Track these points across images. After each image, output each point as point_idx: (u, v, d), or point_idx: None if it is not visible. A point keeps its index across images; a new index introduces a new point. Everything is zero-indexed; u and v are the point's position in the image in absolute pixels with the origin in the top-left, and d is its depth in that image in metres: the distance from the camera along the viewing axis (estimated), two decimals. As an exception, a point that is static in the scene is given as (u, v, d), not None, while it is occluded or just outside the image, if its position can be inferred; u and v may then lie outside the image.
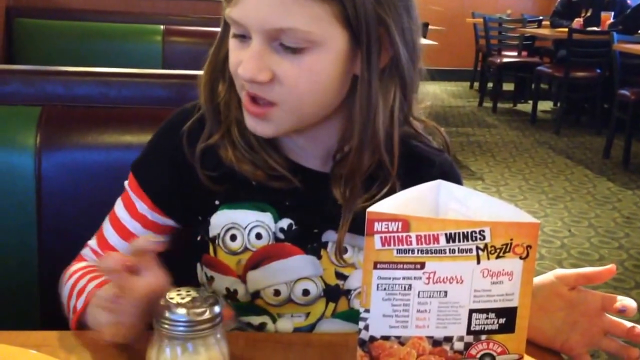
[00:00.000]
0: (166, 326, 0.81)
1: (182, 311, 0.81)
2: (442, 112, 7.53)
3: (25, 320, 1.37)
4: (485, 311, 0.79)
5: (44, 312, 1.37)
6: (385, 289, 0.77)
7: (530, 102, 7.61)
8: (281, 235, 1.06)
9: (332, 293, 1.07)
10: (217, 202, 1.06)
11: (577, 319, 0.98)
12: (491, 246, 0.76)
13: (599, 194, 4.92)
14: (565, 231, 4.17)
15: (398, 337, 0.79)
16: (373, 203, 0.97)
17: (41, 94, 1.43)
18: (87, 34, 3.41)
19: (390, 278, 0.76)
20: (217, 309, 0.82)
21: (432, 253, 0.76)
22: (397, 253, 0.75)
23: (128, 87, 1.46)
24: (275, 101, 0.95)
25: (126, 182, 1.11)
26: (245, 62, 0.92)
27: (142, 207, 1.09)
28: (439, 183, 0.85)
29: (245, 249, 1.06)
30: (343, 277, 1.07)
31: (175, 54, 3.18)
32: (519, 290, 0.78)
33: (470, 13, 8.79)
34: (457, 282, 0.77)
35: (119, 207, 1.11)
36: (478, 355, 0.81)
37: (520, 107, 8.19)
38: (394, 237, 0.75)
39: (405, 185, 0.88)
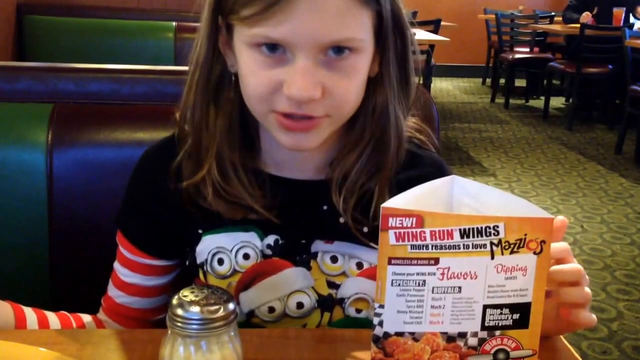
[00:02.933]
0: (179, 324, 0.80)
1: (195, 309, 0.80)
2: (454, 109, 7.51)
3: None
4: (499, 307, 0.78)
5: (55, 309, 1.37)
6: (399, 285, 0.76)
7: (543, 98, 7.59)
8: (269, 252, 1.05)
9: (326, 303, 1.07)
10: (200, 231, 1.06)
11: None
12: (505, 241, 0.75)
13: (612, 190, 4.89)
14: (577, 227, 4.15)
15: (412, 333, 0.78)
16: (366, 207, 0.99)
17: (52, 91, 1.42)
18: (98, 31, 3.41)
19: (404, 274, 0.76)
20: (231, 306, 0.81)
21: (446, 249, 0.75)
22: (411, 249, 0.75)
23: (140, 84, 1.46)
24: (326, 114, 0.93)
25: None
26: (297, 81, 0.88)
27: (131, 255, 1.09)
28: (452, 178, 0.85)
29: (234, 272, 1.05)
30: (335, 286, 1.06)
31: (188, 51, 3.16)
32: (533, 285, 0.78)
33: (482, 9, 8.76)
34: (471, 278, 0.76)
35: (115, 262, 1.12)
36: (492, 351, 0.80)
37: (532, 103, 8.15)
38: (408, 232, 0.74)
39: (399, 187, 0.87)
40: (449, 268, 0.76)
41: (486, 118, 7.23)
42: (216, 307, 0.81)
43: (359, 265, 1.06)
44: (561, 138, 6.43)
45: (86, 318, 1.11)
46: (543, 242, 0.76)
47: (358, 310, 1.07)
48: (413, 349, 0.79)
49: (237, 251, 1.05)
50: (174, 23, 3.29)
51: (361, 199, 1.03)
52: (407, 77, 1.01)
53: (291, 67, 0.89)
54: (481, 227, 0.75)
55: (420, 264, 0.76)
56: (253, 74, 0.92)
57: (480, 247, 0.75)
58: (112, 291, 1.12)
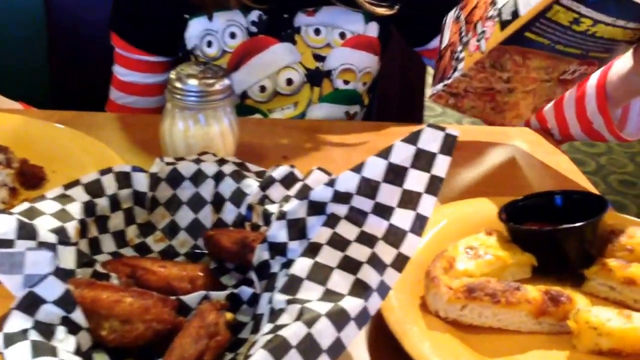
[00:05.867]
0: (178, 96, 0.82)
1: (193, 82, 0.82)
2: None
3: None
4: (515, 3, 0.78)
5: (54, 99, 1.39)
6: None
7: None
8: (254, 29, 1.07)
9: (314, 77, 1.10)
10: (186, 16, 1.07)
11: None
12: None
13: None
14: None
15: None
16: None
17: None
18: None
19: None
20: (226, 81, 0.83)
21: None
22: None
23: None
24: None
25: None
26: None
27: (127, 54, 1.11)
28: None
29: (223, 52, 1.07)
30: (321, 59, 1.09)
31: None
32: (532, 7, 0.77)
33: None
34: None
35: (113, 66, 1.14)
36: (483, 28, 0.82)
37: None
38: None
39: None
40: None
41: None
42: (213, 80, 0.83)
43: (342, 36, 1.09)
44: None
45: None
46: None
47: (346, 82, 1.11)
48: None
49: (224, 31, 1.07)
50: None
51: None
52: None
53: None
54: None
55: None
56: None
57: None
58: (113, 94, 1.15)
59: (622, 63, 0.92)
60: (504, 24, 0.79)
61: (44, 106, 1.10)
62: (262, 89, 1.09)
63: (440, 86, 0.89)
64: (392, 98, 1.34)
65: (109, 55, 1.14)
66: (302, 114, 1.11)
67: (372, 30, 1.09)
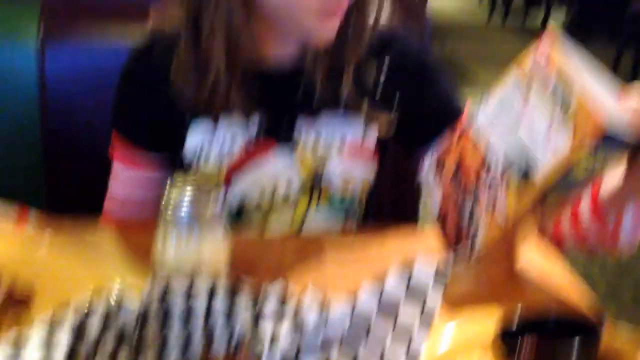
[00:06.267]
0: (170, 212, 0.82)
1: (186, 197, 0.82)
2: (450, 26, 7.43)
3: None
4: (524, 156, 0.81)
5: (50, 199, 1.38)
6: (511, 87, 0.85)
7: (542, 14, 7.47)
8: (253, 133, 1.07)
9: (313, 185, 1.09)
10: (188, 120, 1.07)
11: None
12: (567, 110, 0.77)
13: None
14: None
15: (477, 132, 0.87)
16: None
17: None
18: None
19: (513, 83, 0.85)
20: (221, 196, 0.84)
21: (541, 85, 0.81)
22: (531, 68, 0.83)
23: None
24: None
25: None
26: None
27: (126, 151, 1.12)
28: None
29: (223, 157, 1.07)
30: (319, 168, 1.09)
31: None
32: (552, 168, 0.78)
33: None
34: (529, 121, 0.81)
35: (114, 163, 1.14)
36: (490, 191, 0.84)
37: (530, 23, 8.07)
38: (541, 55, 0.82)
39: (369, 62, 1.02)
40: (528, 100, 0.82)
41: (483, 36, 7.16)
42: (206, 195, 0.82)
43: (342, 143, 1.08)
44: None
45: None
46: (583, 138, 0.76)
47: (344, 190, 1.11)
48: (469, 151, 0.87)
49: (224, 136, 1.06)
50: None
51: (335, 71, 1.06)
52: None
53: None
54: (564, 87, 0.78)
55: (522, 83, 0.83)
56: None
57: (553, 103, 0.79)
58: (111, 191, 1.15)
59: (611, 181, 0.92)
60: (519, 187, 0.80)
61: (38, 203, 1.09)
62: (259, 197, 1.08)
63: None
64: (387, 196, 1.33)
65: (105, 156, 1.13)
66: (300, 222, 1.11)
67: (371, 140, 1.10)
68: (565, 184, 0.79)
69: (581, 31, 6.92)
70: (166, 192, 0.83)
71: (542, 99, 0.80)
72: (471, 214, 0.86)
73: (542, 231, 0.99)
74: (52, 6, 1.34)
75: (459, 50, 6.21)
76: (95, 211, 1.15)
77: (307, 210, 1.10)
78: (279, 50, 1.07)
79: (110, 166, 1.14)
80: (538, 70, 0.81)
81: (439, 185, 0.92)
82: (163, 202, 0.82)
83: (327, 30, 1.00)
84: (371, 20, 1.07)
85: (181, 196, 0.82)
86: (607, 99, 0.80)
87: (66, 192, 1.37)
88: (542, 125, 0.79)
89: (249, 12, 1.00)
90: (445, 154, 0.92)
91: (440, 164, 0.92)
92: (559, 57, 0.80)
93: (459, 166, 0.89)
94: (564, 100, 0.78)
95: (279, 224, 1.10)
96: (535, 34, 0.87)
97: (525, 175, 0.79)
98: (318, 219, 1.12)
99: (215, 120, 1.06)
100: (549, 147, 0.78)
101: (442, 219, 0.91)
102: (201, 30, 1.01)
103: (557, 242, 1.03)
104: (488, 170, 0.84)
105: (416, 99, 1.11)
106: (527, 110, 0.82)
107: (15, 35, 1.33)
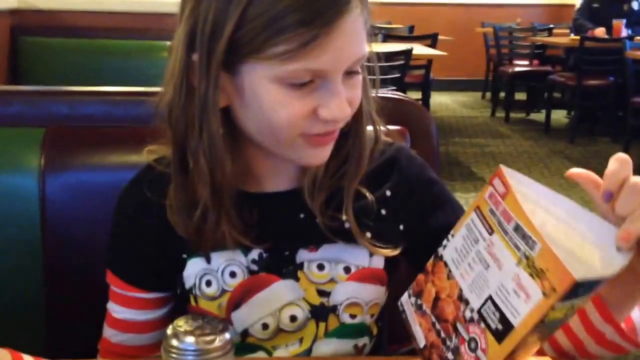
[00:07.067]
0: (174, 355, 0.77)
1: (190, 339, 0.77)
2: (454, 123, 7.49)
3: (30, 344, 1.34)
4: (496, 307, 0.78)
5: (50, 334, 1.34)
6: (468, 230, 0.84)
7: (544, 111, 7.56)
8: (254, 267, 1.03)
9: (319, 312, 1.05)
10: (184, 256, 1.04)
11: None
12: (531, 260, 0.75)
13: (616, 203, 4.84)
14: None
15: (449, 271, 0.86)
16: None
17: (45, 115, 1.40)
18: (94, 51, 3.40)
19: (475, 224, 0.84)
20: (227, 335, 0.79)
21: (501, 229, 0.79)
22: (489, 211, 0.81)
23: (134, 106, 1.43)
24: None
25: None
26: (335, 103, 0.90)
27: (121, 291, 1.07)
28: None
29: (223, 292, 1.03)
30: (326, 294, 1.05)
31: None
32: (524, 318, 0.75)
33: (480, 23, 8.77)
34: (498, 267, 0.79)
35: (108, 303, 1.09)
36: (470, 335, 0.81)
37: (533, 116, 8.14)
38: (495, 197, 0.81)
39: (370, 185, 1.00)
40: (493, 244, 0.80)
41: (487, 132, 7.21)
42: (212, 337, 0.78)
43: (347, 270, 1.04)
44: (564, 152, 6.39)
45: None
46: (554, 289, 0.73)
47: (352, 316, 1.06)
48: (444, 281, 0.86)
49: (223, 270, 1.03)
50: (168, 42, 3.26)
51: (335, 197, 1.03)
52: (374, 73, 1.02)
53: (325, 91, 0.90)
54: (526, 233, 0.76)
55: (484, 225, 0.82)
56: (283, 106, 0.89)
57: (516, 249, 0.77)
58: (106, 332, 1.10)
59: None
60: (497, 335, 0.78)
61: (36, 342, 1.05)
62: (265, 326, 1.04)
63: None
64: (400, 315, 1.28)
65: (105, 292, 1.10)
66: (308, 350, 1.06)
67: (378, 262, 1.06)
68: (544, 326, 0.76)
69: (584, 130, 6.99)
70: (169, 332, 0.78)
71: (504, 240, 0.79)
72: (454, 351, 0.83)
73: None
74: (54, 134, 1.34)
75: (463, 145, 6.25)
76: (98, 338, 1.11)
77: (315, 336, 1.06)
78: (273, 173, 1.04)
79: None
80: (495, 213, 0.80)
81: (421, 316, 0.89)
82: (164, 343, 0.78)
83: (317, 157, 0.97)
84: (370, 142, 1.04)
85: (185, 336, 0.77)
86: (572, 234, 0.81)
87: (67, 316, 1.34)
88: (510, 267, 0.77)
89: (233, 138, 0.98)
90: (421, 285, 0.90)
91: (419, 295, 0.90)
92: (514, 198, 0.78)
93: (437, 298, 0.87)
94: (526, 241, 0.76)
95: (287, 350, 1.06)
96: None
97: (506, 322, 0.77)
98: (328, 345, 1.07)
99: (208, 257, 1.03)
100: (521, 293, 0.75)
101: (428, 350, 0.88)
102: (188, 162, 0.97)
103: (580, 352, 0.99)
104: (463, 300, 0.83)
105: (422, 219, 1.08)
106: (492, 251, 0.80)
107: (18, 161, 1.32)
